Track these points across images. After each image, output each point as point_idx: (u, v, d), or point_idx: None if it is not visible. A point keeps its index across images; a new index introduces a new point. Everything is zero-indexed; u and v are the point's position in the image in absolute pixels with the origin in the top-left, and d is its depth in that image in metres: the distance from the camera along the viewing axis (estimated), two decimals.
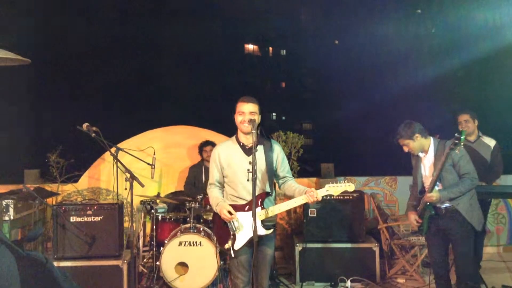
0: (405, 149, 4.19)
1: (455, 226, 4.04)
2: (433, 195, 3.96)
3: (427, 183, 4.15)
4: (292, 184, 3.77)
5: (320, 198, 3.55)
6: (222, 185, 3.80)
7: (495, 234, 6.91)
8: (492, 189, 5.31)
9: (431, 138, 4.18)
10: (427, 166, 4.18)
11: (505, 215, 7.01)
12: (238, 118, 3.67)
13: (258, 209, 3.57)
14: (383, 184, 7.10)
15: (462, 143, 3.79)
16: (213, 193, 3.76)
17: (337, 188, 3.63)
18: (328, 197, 5.61)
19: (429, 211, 4.11)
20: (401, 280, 5.59)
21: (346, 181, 3.65)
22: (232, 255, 3.62)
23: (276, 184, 3.87)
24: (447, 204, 4.06)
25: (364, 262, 5.49)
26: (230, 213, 3.57)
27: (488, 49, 6.49)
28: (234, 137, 3.82)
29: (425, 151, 4.18)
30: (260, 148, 3.67)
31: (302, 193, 3.62)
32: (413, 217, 4.26)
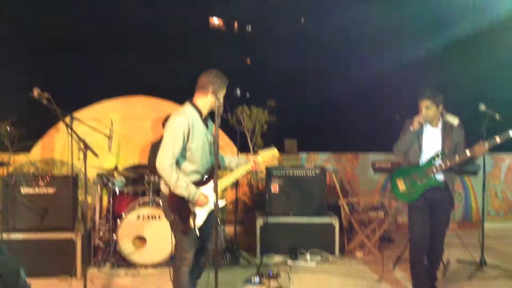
0: (423, 111, 4.10)
1: (444, 200, 4.16)
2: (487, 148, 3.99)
3: (426, 155, 4.16)
4: (225, 155, 3.92)
5: (261, 165, 3.92)
6: None
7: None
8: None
9: (440, 116, 4.22)
10: (432, 140, 4.18)
11: (461, 193, 7.21)
12: (211, 101, 3.57)
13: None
14: (345, 161, 7.14)
15: None
16: (182, 177, 3.49)
17: (267, 152, 3.88)
18: (291, 173, 5.69)
19: (433, 180, 4.11)
20: (359, 254, 5.67)
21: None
22: (197, 234, 3.57)
23: None
24: (442, 178, 4.13)
25: (324, 236, 5.55)
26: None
27: (470, 28, 6.58)
28: (190, 105, 3.61)
29: (434, 124, 4.19)
30: (210, 121, 3.71)
31: (241, 162, 3.82)
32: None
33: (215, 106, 3.54)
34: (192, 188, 3.51)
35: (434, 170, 4.11)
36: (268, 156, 3.89)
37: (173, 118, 3.54)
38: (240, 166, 3.82)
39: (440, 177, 4.14)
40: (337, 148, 7.15)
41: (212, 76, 3.60)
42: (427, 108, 4.10)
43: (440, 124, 4.22)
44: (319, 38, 7.05)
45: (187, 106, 3.62)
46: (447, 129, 4.19)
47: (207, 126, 3.66)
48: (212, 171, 3.53)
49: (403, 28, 7.07)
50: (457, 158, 4.06)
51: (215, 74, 3.62)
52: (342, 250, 5.66)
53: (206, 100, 3.58)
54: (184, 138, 3.46)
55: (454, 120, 5.48)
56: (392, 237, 6.30)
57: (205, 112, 3.63)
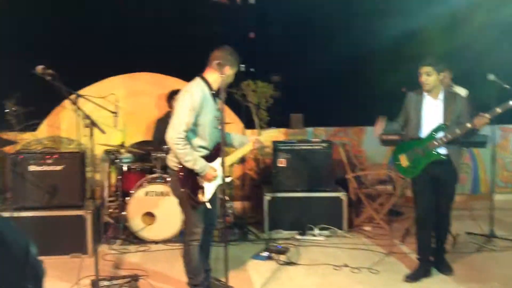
0: (423, 78, 4.01)
1: (447, 174, 4.09)
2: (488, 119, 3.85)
3: (427, 128, 4.08)
4: (229, 133, 3.92)
5: (264, 144, 3.96)
6: None
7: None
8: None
9: (442, 87, 4.12)
10: (433, 112, 4.08)
11: (470, 165, 7.17)
12: (231, 74, 3.63)
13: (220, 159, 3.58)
14: (351, 135, 7.10)
15: None
16: (193, 151, 3.50)
17: (269, 133, 4.13)
18: (298, 147, 5.66)
19: (435, 154, 4.04)
20: (367, 228, 5.68)
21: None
22: (208, 206, 3.59)
23: None
24: (445, 152, 4.05)
25: (332, 211, 5.53)
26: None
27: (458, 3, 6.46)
28: (201, 80, 3.60)
29: (435, 94, 4.08)
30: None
31: (244, 141, 3.89)
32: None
33: (225, 82, 3.54)
34: (202, 161, 3.52)
35: (436, 143, 4.01)
36: (270, 136, 4.26)
37: (185, 93, 3.51)
38: (243, 144, 3.89)
39: (442, 150, 4.05)
40: (343, 122, 7.09)
41: (226, 53, 3.59)
42: (428, 74, 3.99)
43: (441, 95, 4.10)
44: (324, 10, 6.91)
45: (198, 81, 3.59)
46: (449, 99, 4.06)
47: (215, 101, 3.63)
48: (219, 147, 3.54)
49: None
50: (457, 131, 3.95)
51: (229, 51, 3.61)
52: (350, 224, 5.66)
53: (218, 76, 3.53)
54: (195, 113, 3.44)
55: (462, 92, 5.38)
56: (401, 211, 6.31)
57: (215, 87, 3.59)
